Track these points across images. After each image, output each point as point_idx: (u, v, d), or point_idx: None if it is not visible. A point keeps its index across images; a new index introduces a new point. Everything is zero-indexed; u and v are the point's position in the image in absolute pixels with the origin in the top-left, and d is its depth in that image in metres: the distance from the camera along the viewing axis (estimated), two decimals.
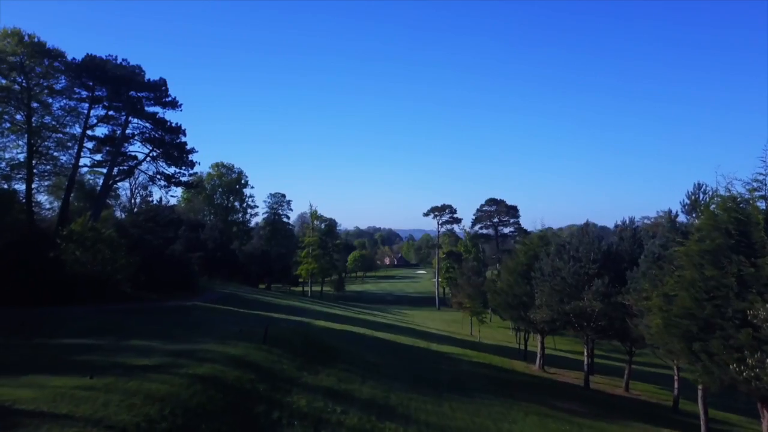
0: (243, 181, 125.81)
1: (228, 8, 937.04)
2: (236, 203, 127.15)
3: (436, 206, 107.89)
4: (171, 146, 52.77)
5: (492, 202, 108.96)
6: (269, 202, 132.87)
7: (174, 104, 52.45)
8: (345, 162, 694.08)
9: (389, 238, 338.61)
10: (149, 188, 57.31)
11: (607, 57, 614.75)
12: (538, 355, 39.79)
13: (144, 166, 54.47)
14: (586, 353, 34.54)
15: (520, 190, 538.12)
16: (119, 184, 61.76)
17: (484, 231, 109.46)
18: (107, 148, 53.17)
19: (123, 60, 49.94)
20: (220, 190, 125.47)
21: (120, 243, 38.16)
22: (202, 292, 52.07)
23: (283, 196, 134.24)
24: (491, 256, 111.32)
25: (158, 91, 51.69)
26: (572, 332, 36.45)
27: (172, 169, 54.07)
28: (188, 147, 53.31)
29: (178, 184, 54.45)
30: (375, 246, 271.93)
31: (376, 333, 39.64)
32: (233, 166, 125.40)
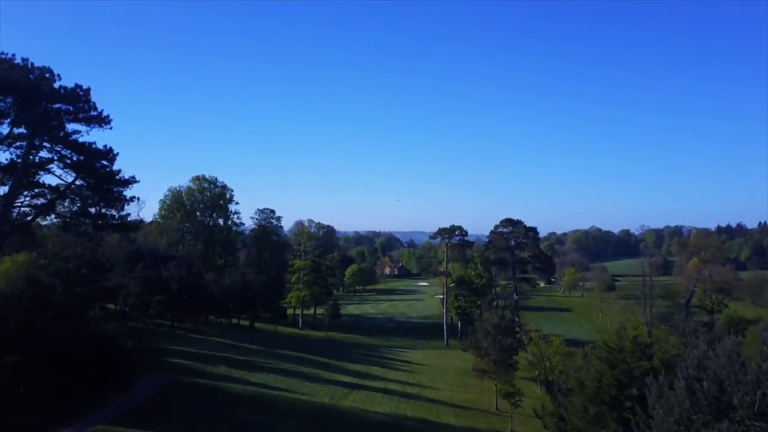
0: (228, 196, 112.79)
1: (217, 7, 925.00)
2: (220, 221, 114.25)
3: (444, 228, 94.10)
4: (98, 176, 39.08)
5: (508, 222, 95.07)
6: (257, 219, 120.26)
7: (101, 120, 38.65)
8: (344, 163, 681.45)
9: (389, 243, 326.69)
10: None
11: (605, 58, 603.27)
12: None
13: (66, 202, 40.90)
14: None
15: (519, 189, 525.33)
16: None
17: (500, 255, 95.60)
18: (13, 177, 39.50)
19: (23, 60, 36.10)
20: (201, 206, 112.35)
21: None
22: (142, 373, 38.30)
23: (273, 211, 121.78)
24: (508, 285, 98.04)
25: (78, 102, 37.90)
26: None
27: (102, 207, 40.45)
28: (122, 176, 39.62)
29: (109, 227, 40.72)
30: (374, 255, 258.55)
31: None
32: (216, 179, 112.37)
